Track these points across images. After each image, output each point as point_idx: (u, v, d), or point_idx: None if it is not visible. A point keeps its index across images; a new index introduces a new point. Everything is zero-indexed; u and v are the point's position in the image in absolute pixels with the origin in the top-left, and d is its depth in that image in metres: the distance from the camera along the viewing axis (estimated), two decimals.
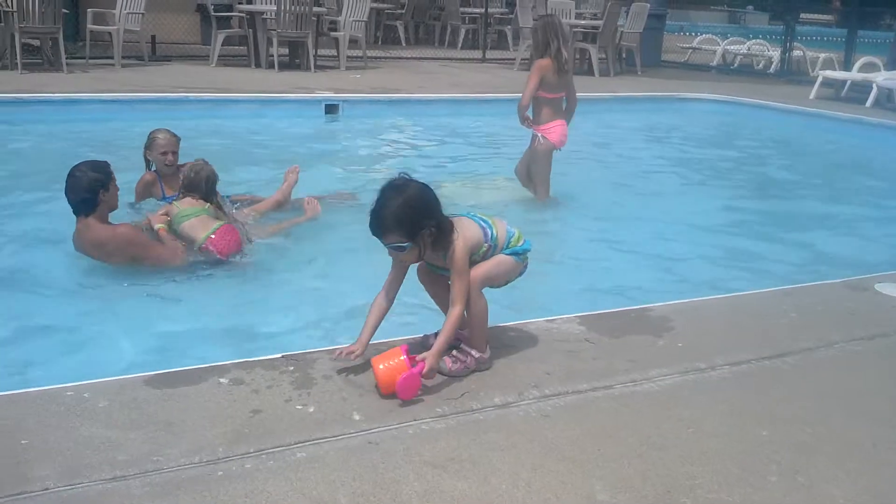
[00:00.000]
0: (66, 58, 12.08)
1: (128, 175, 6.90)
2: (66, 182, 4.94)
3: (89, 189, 4.90)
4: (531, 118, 6.92)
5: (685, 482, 2.82)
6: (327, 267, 5.47)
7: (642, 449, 3.01)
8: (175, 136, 6.01)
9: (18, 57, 11.58)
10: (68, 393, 3.16)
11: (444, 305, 3.56)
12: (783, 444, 3.10)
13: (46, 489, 2.58)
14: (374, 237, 3.36)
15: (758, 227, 7.08)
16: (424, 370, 3.26)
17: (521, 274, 3.72)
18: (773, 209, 7.84)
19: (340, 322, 4.50)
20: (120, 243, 5.04)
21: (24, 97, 9.89)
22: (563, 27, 6.97)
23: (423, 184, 3.39)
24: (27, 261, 5.27)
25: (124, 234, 5.08)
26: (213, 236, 5.21)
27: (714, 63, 18.72)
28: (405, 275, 3.54)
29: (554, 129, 6.86)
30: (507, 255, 3.60)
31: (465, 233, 3.44)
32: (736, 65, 19.18)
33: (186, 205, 5.35)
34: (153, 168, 6.08)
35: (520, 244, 3.66)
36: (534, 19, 6.76)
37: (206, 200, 5.40)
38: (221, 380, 3.31)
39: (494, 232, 3.57)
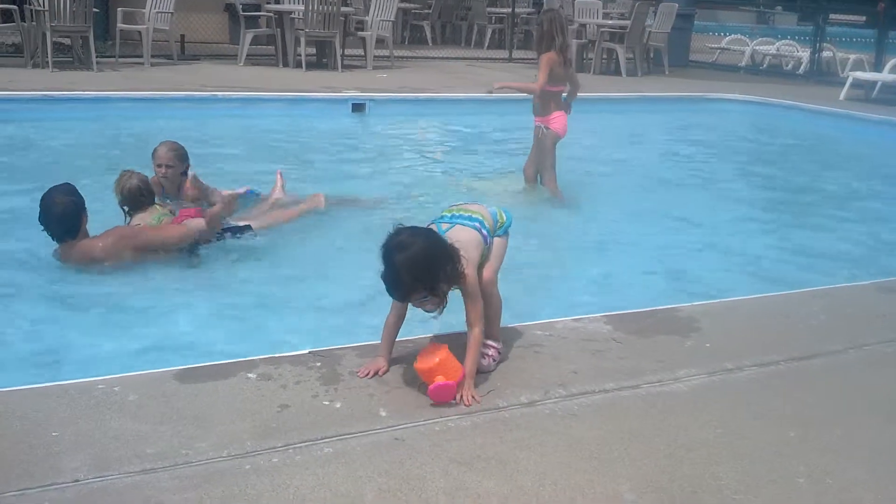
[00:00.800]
0: (97, 56, 12.19)
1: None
2: (47, 214, 4.88)
3: (76, 214, 4.92)
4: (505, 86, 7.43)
5: (712, 483, 2.80)
6: (351, 264, 5.48)
7: (669, 449, 3.00)
8: (174, 150, 5.98)
9: (49, 55, 11.70)
10: (99, 386, 3.19)
11: None
12: (812, 446, 3.08)
13: (77, 481, 2.61)
14: (401, 298, 3.34)
15: (787, 229, 7.03)
16: (464, 396, 3.23)
17: None
18: (802, 210, 7.78)
19: (364, 317, 4.50)
20: (115, 244, 5.02)
21: (54, 95, 9.98)
22: (566, 22, 7.11)
23: (423, 231, 3.33)
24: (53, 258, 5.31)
25: (115, 235, 5.08)
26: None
27: (742, 63, 18.57)
28: None
29: (557, 119, 6.96)
30: (500, 237, 3.66)
31: (469, 251, 3.38)
32: (765, 65, 19.02)
33: (143, 220, 5.32)
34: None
35: (505, 220, 3.71)
36: (539, 13, 6.76)
37: (152, 203, 5.43)
38: (249, 375, 3.33)
39: (486, 225, 3.59)
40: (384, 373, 3.40)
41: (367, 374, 3.37)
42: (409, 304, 3.43)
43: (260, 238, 5.63)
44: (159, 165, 5.93)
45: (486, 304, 3.48)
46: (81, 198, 4.99)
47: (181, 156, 5.99)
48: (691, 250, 6.23)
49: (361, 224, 6.16)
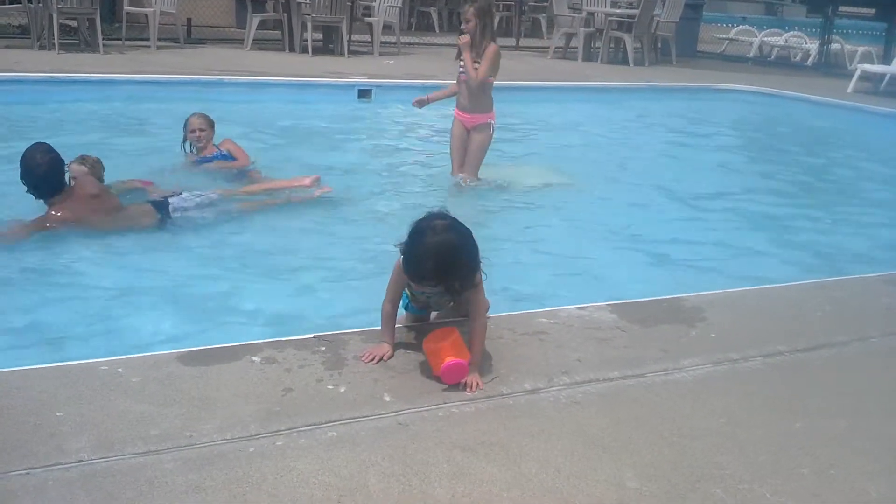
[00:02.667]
0: (103, 39, 12.17)
1: (162, 154, 7.01)
2: (31, 174, 5.04)
3: (59, 170, 5.14)
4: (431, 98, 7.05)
5: (716, 472, 2.80)
6: (357, 249, 5.48)
7: (673, 438, 2.99)
8: (204, 117, 6.76)
9: (56, 37, 11.68)
10: (102, 368, 3.19)
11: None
12: (816, 437, 3.08)
13: (80, 461, 2.61)
14: (417, 280, 3.29)
15: (792, 220, 7.01)
16: (468, 382, 3.22)
17: None
18: (807, 202, 7.76)
19: (370, 301, 4.49)
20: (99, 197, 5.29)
21: (60, 77, 9.97)
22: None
23: (461, 226, 3.28)
24: (61, 236, 5.31)
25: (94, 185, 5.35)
26: None
27: (750, 55, 18.50)
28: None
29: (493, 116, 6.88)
30: None
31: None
32: (773, 57, 18.95)
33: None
34: (188, 147, 6.83)
35: None
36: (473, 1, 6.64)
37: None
38: (254, 358, 3.33)
39: None
40: (389, 358, 3.40)
41: (373, 360, 3.37)
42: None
43: (259, 216, 5.77)
44: (192, 131, 6.68)
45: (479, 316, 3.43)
46: (60, 154, 5.14)
47: (211, 122, 6.80)
48: (697, 240, 6.21)
49: (366, 210, 6.17)
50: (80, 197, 5.26)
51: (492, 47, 6.62)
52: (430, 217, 3.27)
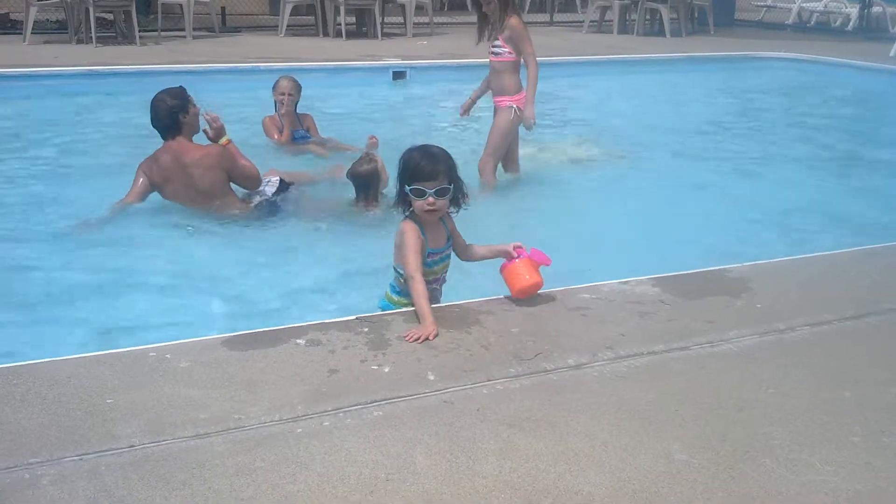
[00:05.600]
0: (139, 31, 12.29)
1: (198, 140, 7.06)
2: (150, 111, 5.41)
3: (169, 115, 5.36)
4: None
5: (765, 442, 2.77)
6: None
7: (721, 410, 2.97)
8: (295, 82, 7.10)
9: (93, 31, 11.81)
10: (151, 354, 3.24)
11: None
12: (866, 405, 3.03)
13: (132, 446, 2.65)
14: (419, 186, 3.57)
15: (838, 187, 6.91)
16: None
17: None
18: (853, 169, 7.63)
19: None
20: (213, 164, 5.39)
21: (99, 70, 10.10)
22: None
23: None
24: (106, 226, 5.40)
25: (214, 152, 5.44)
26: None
27: (789, 21, 18.16)
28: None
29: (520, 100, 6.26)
30: None
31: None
32: (812, 23, 18.58)
33: None
34: (276, 109, 7.11)
35: None
36: None
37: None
38: (298, 341, 3.35)
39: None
40: (434, 337, 3.40)
41: (418, 340, 3.38)
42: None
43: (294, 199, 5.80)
44: (282, 94, 7.00)
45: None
46: (184, 101, 5.43)
47: (299, 87, 7.11)
48: (740, 211, 6.14)
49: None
50: (180, 150, 5.40)
51: (514, 21, 6.04)
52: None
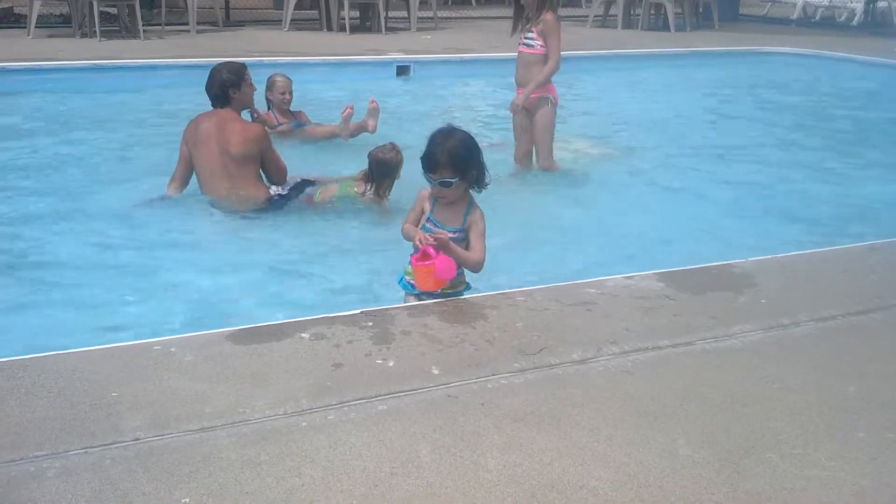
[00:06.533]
0: (143, 25, 12.28)
1: None
2: (207, 79, 5.61)
3: (221, 87, 5.53)
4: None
5: (770, 438, 2.77)
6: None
7: (725, 404, 2.97)
8: (289, 79, 7.09)
9: (97, 25, 11.80)
10: (155, 347, 3.24)
11: None
12: (871, 401, 3.03)
13: (137, 439, 2.65)
14: (426, 174, 3.67)
15: (843, 183, 6.89)
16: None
17: None
18: (857, 164, 7.61)
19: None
20: (252, 137, 5.50)
21: (103, 64, 10.08)
22: None
23: (467, 132, 3.76)
24: (113, 222, 5.41)
25: (258, 129, 5.63)
26: None
27: (794, 16, 18.12)
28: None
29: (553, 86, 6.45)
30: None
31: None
32: (817, 18, 18.54)
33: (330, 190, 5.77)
34: (270, 108, 7.11)
35: None
36: None
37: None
38: (303, 335, 3.36)
39: None
40: (424, 241, 3.59)
41: (425, 239, 3.59)
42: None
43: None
44: (282, 93, 7.01)
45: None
46: (238, 78, 5.56)
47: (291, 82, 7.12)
48: (744, 207, 6.13)
49: (409, 187, 6.16)
50: (222, 118, 5.52)
51: (549, 16, 6.19)
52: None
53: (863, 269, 4.29)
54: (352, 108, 7.07)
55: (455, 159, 3.64)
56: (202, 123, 5.56)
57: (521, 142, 6.58)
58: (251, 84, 5.67)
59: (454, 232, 3.75)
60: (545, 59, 6.26)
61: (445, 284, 3.68)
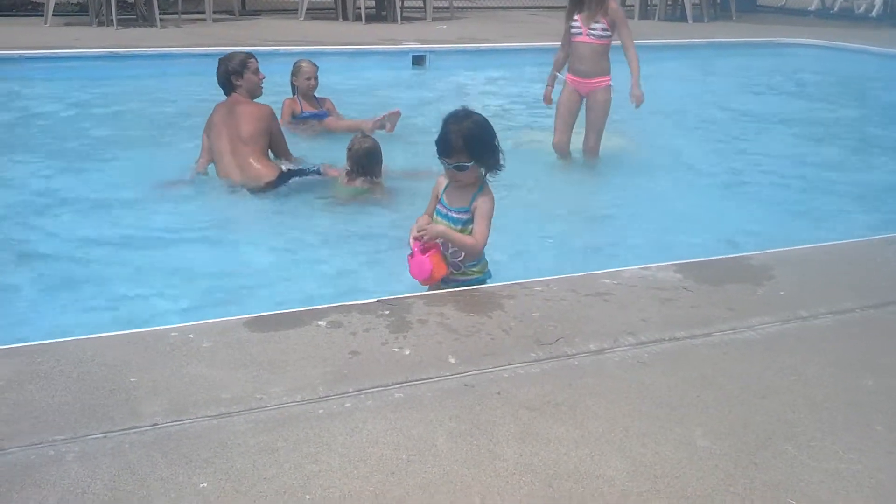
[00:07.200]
0: (160, 13, 12.30)
1: None
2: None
3: (224, 76, 5.86)
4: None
5: (787, 429, 2.76)
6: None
7: (743, 396, 2.96)
8: (315, 65, 7.16)
9: (114, 13, 11.85)
10: (173, 334, 3.25)
11: None
12: (889, 394, 3.01)
13: (155, 424, 2.67)
14: (441, 158, 3.68)
15: (861, 176, 6.85)
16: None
17: None
18: (876, 157, 7.56)
19: None
20: (260, 115, 5.78)
21: (120, 52, 10.12)
22: None
23: (481, 114, 3.74)
24: (130, 209, 5.43)
25: (265, 108, 5.88)
26: None
27: (812, 7, 17.99)
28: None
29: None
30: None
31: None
32: (836, 9, 18.39)
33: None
34: (295, 93, 7.17)
35: None
36: None
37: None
38: (320, 323, 3.36)
39: None
40: (420, 231, 3.68)
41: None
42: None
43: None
44: (308, 78, 7.06)
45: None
46: (240, 66, 5.86)
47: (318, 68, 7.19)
48: (762, 198, 6.10)
49: (426, 178, 6.16)
50: (230, 104, 5.79)
51: (615, 4, 6.22)
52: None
53: (881, 262, 4.27)
54: (398, 114, 7.09)
55: (470, 143, 3.63)
56: (216, 111, 5.83)
57: (567, 127, 6.59)
58: (256, 71, 5.91)
59: (459, 212, 3.75)
60: (609, 48, 6.33)
61: (434, 281, 3.71)
